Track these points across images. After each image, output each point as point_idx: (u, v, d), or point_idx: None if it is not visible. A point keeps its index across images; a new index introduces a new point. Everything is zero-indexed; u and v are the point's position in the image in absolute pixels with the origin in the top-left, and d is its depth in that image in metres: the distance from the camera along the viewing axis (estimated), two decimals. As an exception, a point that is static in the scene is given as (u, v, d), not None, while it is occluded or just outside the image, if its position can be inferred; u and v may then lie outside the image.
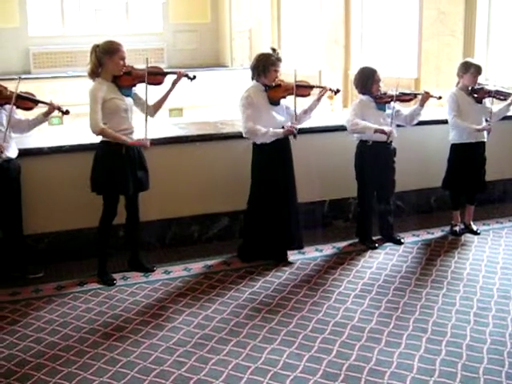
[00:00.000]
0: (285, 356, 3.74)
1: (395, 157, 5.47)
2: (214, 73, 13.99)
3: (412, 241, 5.65)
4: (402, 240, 5.60)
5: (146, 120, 4.67)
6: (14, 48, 14.49)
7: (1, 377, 3.55)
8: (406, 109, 5.56)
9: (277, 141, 4.99)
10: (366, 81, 5.31)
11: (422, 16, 9.41)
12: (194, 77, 4.83)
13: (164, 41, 15.80)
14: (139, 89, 4.78)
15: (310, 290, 4.65)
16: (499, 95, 5.65)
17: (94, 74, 4.65)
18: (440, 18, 8.98)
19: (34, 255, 5.04)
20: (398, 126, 5.49)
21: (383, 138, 5.22)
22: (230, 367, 3.62)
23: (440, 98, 5.35)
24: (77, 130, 6.10)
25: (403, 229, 5.86)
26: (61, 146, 5.12)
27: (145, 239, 5.29)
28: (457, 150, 5.70)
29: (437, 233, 5.86)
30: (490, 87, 5.64)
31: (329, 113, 10.66)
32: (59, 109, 4.71)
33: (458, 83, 5.66)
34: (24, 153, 4.85)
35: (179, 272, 5.01)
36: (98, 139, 4.77)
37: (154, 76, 4.73)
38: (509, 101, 5.63)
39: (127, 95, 4.71)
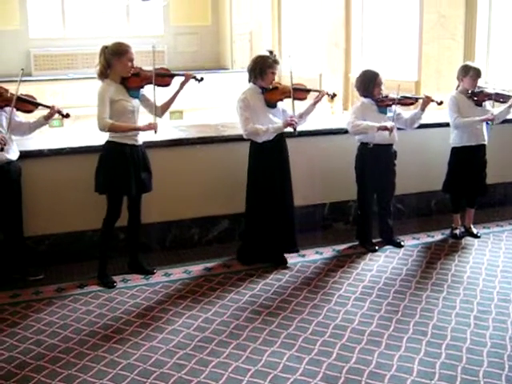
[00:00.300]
0: (285, 359, 3.74)
1: (396, 159, 5.47)
2: (214, 75, 13.99)
3: (412, 244, 5.65)
4: (402, 243, 5.60)
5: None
6: (15, 50, 14.50)
7: (1, 379, 3.54)
8: (406, 112, 5.57)
9: (273, 142, 5.00)
10: (368, 84, 5.32)
11: (423, 19, 9.42)
12: (202, 78, 4.84)
13: (165, 43, 15.81)
14: (147, 90, 4.80)
15: (310, 293, 4.65)
16: (499, 98, 5.65)
17: (102, 75, 4.67)
18: (440, 21, 8.99)
19: (35, 257, 5.04)
20: (399, 129, 5.49)
21: (385, 139, 5.23)
22: (230, 370, 3.62)
23: (441, 103, 5.35)
24: (77, 132, 6.10)
25: (403, 232, 5.85)
26: (61, 149, 5.12)
27: (145, 241, 5.29)
28: (457, 153, 5.70)
29: (437, 236, 5.85)
30: (490, 90, 5.65)
31: (329, 116, 10.68)
32: (59, 112, 4.71)
33: (458, 86, 5.66)
34: (25, 155, 4.84)
35: (179, 274, 5.01)
36: (99, 141, 4.79)
37: (162, 78, 4.75)
38: (509, 103, 5.62)
39: (135, 97, 4.73)
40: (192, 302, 4.50)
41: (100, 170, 4.71)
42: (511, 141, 6.65)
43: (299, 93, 5.06)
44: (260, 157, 5.04)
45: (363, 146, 5.41)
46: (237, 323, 4.19)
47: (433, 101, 5.33)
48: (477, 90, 5.59)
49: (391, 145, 5.40)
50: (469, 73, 5.54)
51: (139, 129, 4.68)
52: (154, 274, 5.00)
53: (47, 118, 4.74)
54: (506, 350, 3.81)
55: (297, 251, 5.31)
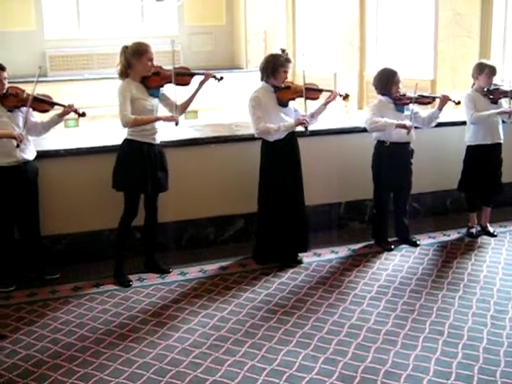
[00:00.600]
0: (300, 358, 3.74)
1: (412, 158, 5.45)
2: (228, 75, 13.95)
3: (428, 243, 5.62)
4: (418, 242, 5.57)
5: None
6: (31, 51, 14.58)
7: (18, 377, 3.58)
8: (424, 111, 5.55)
9: (285, 141, 5.00)
10: (386, 82, 5.30)
11: (438, 17, 9.36)
12: (222, 78, 4.87)
13: (179, 43, 15.83)
14: (166, 89, 4.83)
15: (326, 292, 4.64)
16: (515, 95, 5.61)
17: (123, 74, 4.71)
18: (456, 19, 8.93)
19: (51, 256, 5.08)
20: (416, 127, 5.46)
21: (403, 137, 5.21)
22: (245, 369, 3.63)
23: (459, 102, 5.33)
24: (93, 132, 6.13)
25: (419, 231, 5.83)
26: (78, 149, 5.15)
27: (161, 241, 5.31)
28: (473, 151, 5.67)
29: (453, 235, 5.82)
30: (506, 88, 5.61)
31: (344, 114, 10.65)
32: (76, 111, 4.74)
33: (474, 84, 5.64)
34: (41, 155, 4.89)
35: (195, 273, 5.02)
36: (115, 141, 4.82)
37: (182, 77, 4.78)
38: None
39: (155, 96, 4.76)
40: (207, 301, 4.52)
41: (117, 168, 4.74)
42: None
43: (311, 92, 5.05)
44: (271, 156, 5.04)
45: (380, 144, 5.38)
46: (252, 322, 4.20)
47: (450, 100, 5.30)
48: (492, 87, 5.57)
49: (408, 143, 5.37)
50: (484, 70, 5.52)
51: (161, 119, 4.71)
52: (169, 273, 5.02)
53: (61, 116, 4.77)
54: (524, 350, 3.79)
55: (305, 250, 5.28)
